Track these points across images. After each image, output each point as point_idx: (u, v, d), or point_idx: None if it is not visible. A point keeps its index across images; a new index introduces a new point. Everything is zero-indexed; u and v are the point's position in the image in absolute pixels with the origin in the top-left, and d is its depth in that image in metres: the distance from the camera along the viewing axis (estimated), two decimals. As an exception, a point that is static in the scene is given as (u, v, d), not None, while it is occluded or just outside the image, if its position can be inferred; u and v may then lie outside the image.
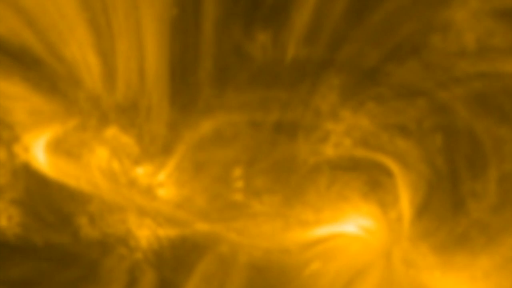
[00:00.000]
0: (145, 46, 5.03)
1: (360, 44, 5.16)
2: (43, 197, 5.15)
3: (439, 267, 5.06)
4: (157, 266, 5.23)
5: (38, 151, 5.08)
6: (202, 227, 5.22)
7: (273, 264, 5.24)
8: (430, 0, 5.07)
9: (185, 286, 5.24)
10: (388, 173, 5.17)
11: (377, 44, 5.15)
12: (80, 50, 5.00)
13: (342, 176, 5.19)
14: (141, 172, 5.17)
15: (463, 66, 5.10)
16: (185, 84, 5.14)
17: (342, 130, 5.16)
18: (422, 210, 5.10)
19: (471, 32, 5.06)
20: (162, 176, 5.19)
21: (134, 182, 5.17)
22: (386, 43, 5.14)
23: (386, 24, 5.13)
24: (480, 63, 5.10)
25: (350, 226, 5.21)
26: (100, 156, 5.12)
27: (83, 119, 5.09)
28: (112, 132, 5.12)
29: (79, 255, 5.19)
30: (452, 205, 5.09)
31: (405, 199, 5.11)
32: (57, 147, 5.11)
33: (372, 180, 5.17)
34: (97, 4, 4.91)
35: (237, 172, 5.20)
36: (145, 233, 5.20)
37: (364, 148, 5.18)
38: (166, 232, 5.21)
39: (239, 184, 5.21)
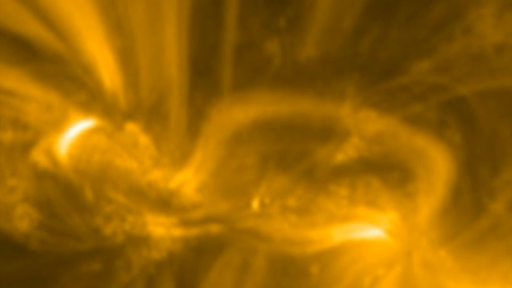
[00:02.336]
0: (165, 47, 5.01)
1: (379, 43, 5.12)
2: (60, 198, 5.15)
3: (458, 269, 5.04)
4: (174, 266, 5.23)
5: (56, 152, 5.08)
6: (219, 227, 5.21)
7: (290, 265, 5.22)
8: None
9: (202, 285, 5.24)
10: (408, 174, 5.13)
11: (397, 42, 5.11)
12: (100, 52, 4.98)
13: (361, 177, 5.16)
14: (160, 173, 5.16)
15: (483, 64, 5.06)
16: (205, 85, 5.13)
17: (362, 130, 5.13)
18: (442, 212, 5.07)
19: (491, 30, 5.01)
20: (180, 177, 5.18)
21: (153, 183, 5.16)
22: (406, 41, 5.10)
23: (406, 22, 5.09)
24: (500, 61, 5.06)
25: (369, 228, 5.18)
26: (119, 156, 5.11)
27: (102, 119, 5.09)
28: (131, 132, 5.11)
29: (97, 255, 5.19)
30: (473, 207, 5.05)
31: (426, 201, 5.08)
32: (76, 147, 5.10)
33: (393, 181, 5.14)
34: (118, 4, 4.89)
35: (256, 173, 5.18)
36: (163, 234, 5.19)
37: (384, 148, 5.15)
38: (184, 233, 5.20)
39: (257, 185, 5.19)
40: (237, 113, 5.13)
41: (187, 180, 5.19)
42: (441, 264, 5.07)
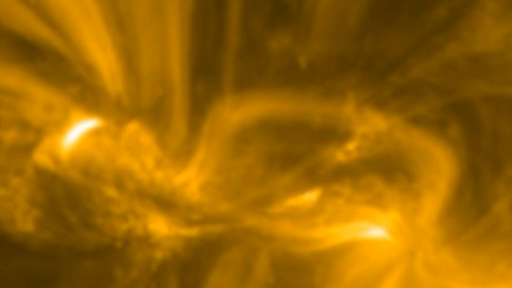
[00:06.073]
0: (168, 46, 5.01)
1: (382, 41, 5.12)
2: (63, 198, 5.15)
3: (461, 270, 5.05)
4: (177, 266, 5.23)
5: (59, 152, 5.07)
6: (222, 227, 5.22)
7: (293, 265, 5.23)
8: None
9: (205, 286, 5.24)
10: (411, 173, 5.14)
11: (399, 42, 5.11)
12: (102, 51, 4.98)
13: (364, 177, 5.17)
14: (162, 172, 5.16)
15: (486, 63, 5.06)
16: (207, 85, 5.12)
17: (364, 129, 5.13)
18: (445, 212, 5.08)
19: (494, 30, 5.01)
20: (183, 176, 5.17)
21: (155, 183, 5.16)
22: (408, 40, 5.10)
23: (408, 21, 5.09)
24: (504, 60, 5.05)
25: (372, 227, 5.19)
26: (121, 156, 5.10)
27: (105, 119, 5.08)
28: (133, 132, 5.10)
29: (99, 255, 5.19)
30: (475, 207, 5.06)
31: (428, 201, 5.09)
32: (78, 147, 5.10)
33: (395, 181, 5.15)
34: (121, 3, 4.88)
35: (258, 172, 5.18)
36: (165, 233, 5.20)
37: (387, 148, 5.15)
38: (187, 232, 5.21)
39: (260, 184, 5.19)
40: (239, 112, 5.13)
41: (190, 180, 5.19)
42: (443, 264, 5.09)
